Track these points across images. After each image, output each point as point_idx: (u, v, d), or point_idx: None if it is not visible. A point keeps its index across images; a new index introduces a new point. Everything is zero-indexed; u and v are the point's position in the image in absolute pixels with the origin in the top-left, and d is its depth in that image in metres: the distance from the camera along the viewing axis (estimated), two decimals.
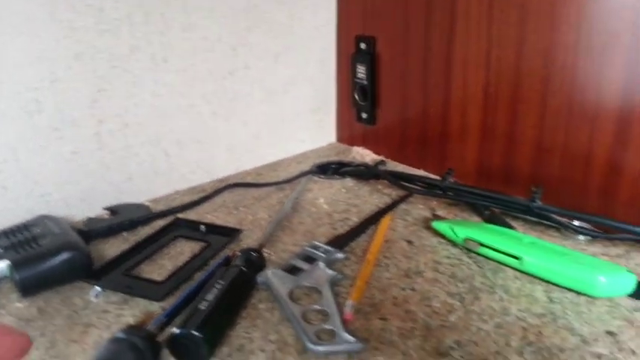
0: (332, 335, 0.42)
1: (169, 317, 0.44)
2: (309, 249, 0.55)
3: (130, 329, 0.41)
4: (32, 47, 0.57)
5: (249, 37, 0.75)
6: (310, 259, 0.53)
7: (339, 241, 0.57)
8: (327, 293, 0.47)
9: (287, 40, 0.80)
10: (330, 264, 0.52)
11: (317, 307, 0.45)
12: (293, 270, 0.51)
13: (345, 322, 0.43)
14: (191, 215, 0.66)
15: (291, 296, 0.47)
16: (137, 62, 0.65)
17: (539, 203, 0.56)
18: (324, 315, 0.45)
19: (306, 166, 0.81)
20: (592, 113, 0.57)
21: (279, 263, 0.53)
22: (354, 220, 0.63)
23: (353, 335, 0.41)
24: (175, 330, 0.39)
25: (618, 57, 0.54)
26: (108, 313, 0.47)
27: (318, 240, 0.57)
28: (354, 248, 0.57)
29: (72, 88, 0.61)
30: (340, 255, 0.54)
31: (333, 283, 0.50)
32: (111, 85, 0.64)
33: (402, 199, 0.68)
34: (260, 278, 0.49)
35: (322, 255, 0.53)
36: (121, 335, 0.40)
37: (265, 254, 0.55)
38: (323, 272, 0.50)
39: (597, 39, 0.55)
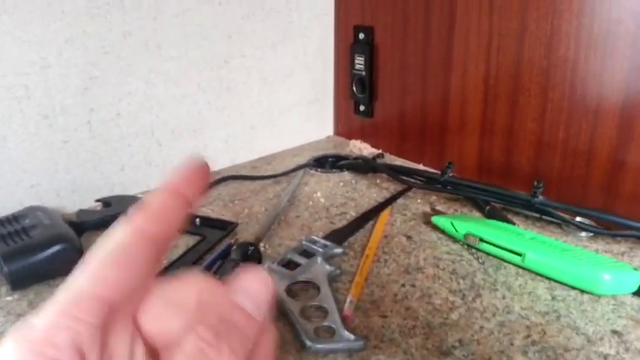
0: (331, 333, 0.41)
1: None
2: (307, 243, 0.53)
3: None
4: (21, 30, 0.55)
5: (246, 25, 0.74)
6: (308, 254, 0.52)
7: (337, 236, 0.56)
8: (326, 289, 0.46)
9: (285, 29, 0.78)
10: (328, 259, 0.51)
11: (315, 303, 0.44)
12: (290, 264, 0.50)
13: (344, 320, 0.42)
14: None
15: (289, 292, 0.46)
16: (129, 48, 0.63)
17: (541, 198, 0.55)
18: (323, 312, 0.43)
19: (302, 159, 0.80)
20: (594, 106, 0.56)
21: (276, 258, 0.52)
22: (352, 214, 0.62)
23: (353, 333, 0.40)
24: None
25: (621, 46, 0.53)
26: None
27: (316, 234, 0.56)
28: (352, 243, 0.56)
29: (62, 75, 0.59)
30: (339, 250, 0.53)
31: (332, 279, 0.48)
32: (103, 72, 0.62)
33: (400, 194, 0.67)
34: None
35: (320, 250, 0.52)
36: None
37: (261, 248, 0.54)
38: (321, 267, 0.49)
39: (599, 27, 0.54)
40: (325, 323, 0.41)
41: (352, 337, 0.40)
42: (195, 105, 0.72)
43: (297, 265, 0.50)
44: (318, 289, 0.46)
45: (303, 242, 0.54)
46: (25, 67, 0.56)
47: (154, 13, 0.64)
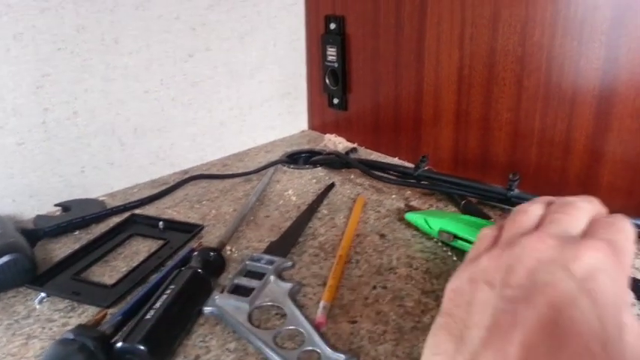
0: (317, 357, 0.37)
1: (125, 316, 0.40)
2: (251, 263, 0.48)
3: (80, 329, 0.37)
4: None
5: (211, 16, 0.70)
6: (256, 275, 0.46)
7: (279, 248, 0.51)
8: (292, 310, 0.41)
9: (252, 19, 0.75)
10: (280, 275, 0.47)
11: (286, 327, 0.40)
12: (241, 290, 0.44)
13: (318, 327, 0.40)
14: (151, 210, 0.61)
15: (252, 322, 0.41)
16: (85, 43, 0.60)
17: (516, 192, 0.53)
18: (299, 335, 0.39)
19: (275, 156, 0.77)
20: (570, 94, 0.55)
21: (244, 261, 0.49)
22: (324, 212, 0.60)
23: (341, 352, 0.37)
24: (118, 344, 0.35)
25: (597, 33, 0.51)
26: (52, 322, 0.43)
27: (257, 252, 0.51)
28: (323, 244, 0.53)
29: (12, 73, 0.56)
30: (288, 263, 0.49)
31: (293, 296, 0.44)
32: (56, 69, 0.58)
33: (329, 188, 0.65)
34: (208, 308, 0.42)
35: (269, 267, 0.47)
36: (69, 336, 0.36)
37: (227, 252, 0.52)
38: (277, 286, 0.45)
39: (575, 13, 0.52)
40: (307, 347, 0.38)
41: (342, 356, 0.36)
42: (158, 102, 0.68)
43: (248, 289, 0.44)
44: (282, 310, 0.42)
45: (247, 262, 0.48)
46: None
47: (111, 5, 0.61)
